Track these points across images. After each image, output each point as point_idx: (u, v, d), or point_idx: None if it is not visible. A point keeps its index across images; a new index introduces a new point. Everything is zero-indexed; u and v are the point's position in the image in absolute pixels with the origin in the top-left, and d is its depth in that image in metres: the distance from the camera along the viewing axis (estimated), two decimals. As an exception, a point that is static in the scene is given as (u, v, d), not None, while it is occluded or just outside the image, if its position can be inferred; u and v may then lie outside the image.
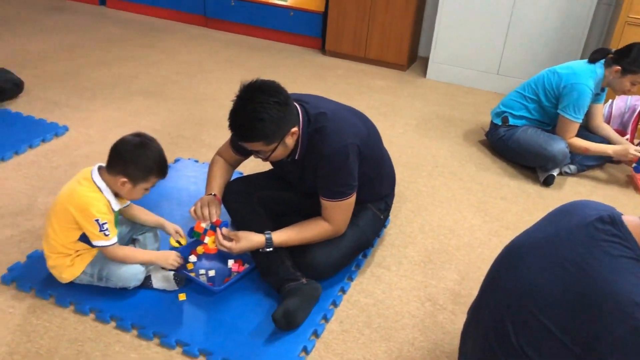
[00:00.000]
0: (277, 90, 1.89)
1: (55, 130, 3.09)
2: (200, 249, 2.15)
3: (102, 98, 3.58)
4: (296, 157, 2.04)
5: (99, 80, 3.84)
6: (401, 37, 4.37)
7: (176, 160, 2.95)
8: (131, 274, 1.96)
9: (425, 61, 4.52)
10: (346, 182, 2.01)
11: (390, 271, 2.29)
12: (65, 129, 3.14)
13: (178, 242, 2.12)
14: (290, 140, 1.95)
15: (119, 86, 3.77)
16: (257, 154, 1.98)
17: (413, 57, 4.68)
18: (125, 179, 1.88)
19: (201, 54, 4.48)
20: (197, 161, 2.95)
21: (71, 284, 2.01)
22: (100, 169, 1.94)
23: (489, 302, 1.56)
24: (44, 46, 4.35)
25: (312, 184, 2.08)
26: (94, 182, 1.89)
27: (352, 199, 2.05)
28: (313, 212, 2.13)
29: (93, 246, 1.92)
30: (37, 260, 2.13)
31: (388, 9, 4.30)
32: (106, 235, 1.87)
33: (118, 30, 4.85)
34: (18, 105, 3.35)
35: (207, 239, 2.07)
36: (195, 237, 2.11)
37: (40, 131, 3.07)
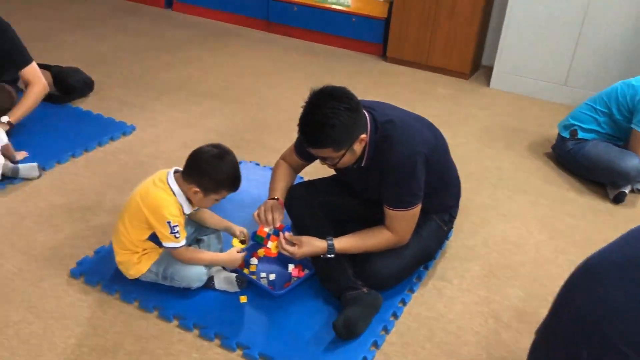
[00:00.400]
0: (348, 96, 1.88)
1: (123, 129, 3.19)
2: (261, 252, 2.16)
3: (168, 99, 3.66)
4: (362, 165, 2.02)
5: (165, 81, 3.93)
6: (465, 45, 4.29)
7: (239, 163, 2.97)
8: (195, 275, 1.99)
9: (489, 70, 4.42)
10: (412, 192, 1.97)
11: (452, 285, 2.24)
12: (133, 128, 3.23)
13: (242, 242, 2.14)
14: (358, 147, 1.94)
15: (184, 88, 3.85)
16: (324, 160, 1.97)
17: (476, 66, 4.58)
18: (197, 189, 1.91)
19: (263, 58, 4.53)
20: (258, 164, 2.97)
21: (136, 281, 2.05)
22: (176, 172, 1.98)
23: (562, 325, 1.49)
24: (114, 47, 4.50)
25: (376, 192, 2.06)
26: (169, 185, 1.93)
27: (417, 209, 2.01)
28: (376, 220, 2.10)
29: (162, 246, 1.96)
30: (104, 255, 2.19)
31: (453, 15, 4.23)
32: (176, 237, 1.90)
33: (184, 33, 4.96)
34: (88, 104, 3.47)
35: (269, 244, 2.08)
36: (258, 241, 2.12)
37: (108, 130, 3.17)
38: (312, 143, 1.90)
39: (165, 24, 5.15)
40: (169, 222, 1.88)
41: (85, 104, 3.47)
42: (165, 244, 1.92)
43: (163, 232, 1.90)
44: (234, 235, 2.15)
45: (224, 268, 2.10)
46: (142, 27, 5.01)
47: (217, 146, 1.98)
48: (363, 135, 1.92)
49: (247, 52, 4.63)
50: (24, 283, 2.05)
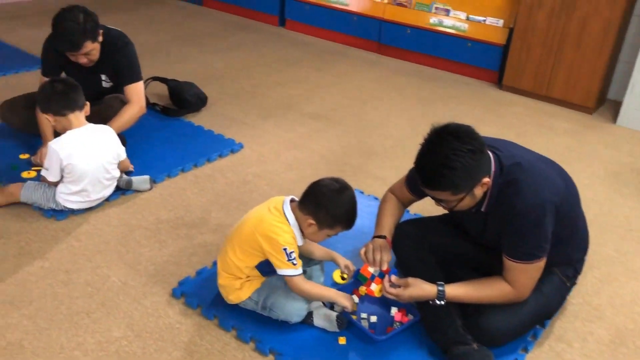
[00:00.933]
0: (472, 136, 1.73)
1: (231, 147, 3.21)
2: (362, 290, 2.05)
3: (275, 118, 3.66)
4: (482, 209, 1.86)
5: (274, 100, 3.95)
6: (591, 78, 3.97)
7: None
8: (295, 309, 1.91)
9: (616, 105, 4.07)
10: (538, 244, 1.78)
11: (572, 348, 2.01)
12: (241, 146, 3.24)
13: (343, 277, 2.04)
14: (479, 191, 1.78)
15: (292, 108, 3.84)
16: (439, 201, 1.83)
17: (601, 100, 4.24)
18: (312, 221, 1.85)
19: (372, 81, 4.44)
20: (362, 192, 2.87)
21: (235, 307, 2.01)
22: (292, 201, 1.93)
23: None
24: (227, 63, 4.60)
25: (495, 239, 1.89)
26: (284, 214, 1.88)
27: (542, 263, 1.82)
28: (491, 268, 1.93)
29: (268, 275, 1.91)
30: (206, 277, 2.17)
31: (580, 46, 3.93)
32: (294, 264, 1.84)
33: (294, 51, 4.99)
34: (200, 119, 3.54)
35: (373, 286, 1.96)
36: (361, 280, 2.02)
37: (217, 146, 3.20)
38: (429, 185, 1.77)
39: (277, 42, 5.21)
40: (285, 249, 1.82)
41: (197, 119, 3.54)
42: (282, 271, 1.86)
43: (279, 259, 1.84)
44: (337, 264, 2.07)
45: (324, 304, 2.00)
46: (255, 44, 5.10)
47: (338, 180, 1.90)
48: (486, 179, 1.76)
49: (356, 74, 4.57)
50: (127, 298, 2.07)
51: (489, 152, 1.81)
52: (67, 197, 2.47)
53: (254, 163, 3.10)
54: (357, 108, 3.91)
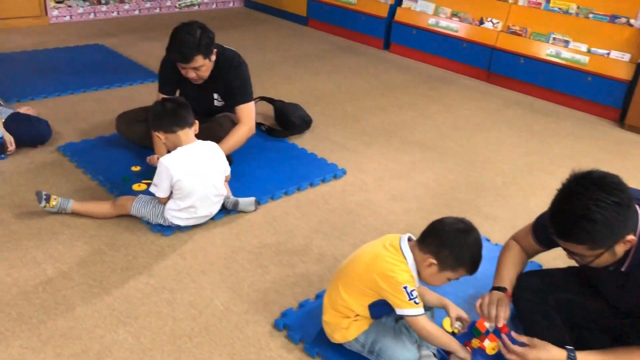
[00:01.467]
0: (619, 188, 1.54)
1: (334, 172, 3.14)
2: (475, 343, 1.89)
3: (379, 145, 3.57)
4: (622, 269, 1.66)
5: (377, 125, 3.86)
6: None
7: (451, 227, 2.73)
8: (405, 357, 1.78)
9: None
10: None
11: None
12: (343, 172, 3.16)
13: (454, 332, 1.89)
14: (621, 249, 1.59)
15: (396, 135, 3.73)
16: (572, 254, 1.65)
17: None
18: (434, 261, 1.73)
19: (480, 111, 4.26)
20: (473, 232, 2.70)
21: (339, 347, 1.91)
22: (409, 240, 1.82)
23: None
24: (332, 85, 4.57)
25: (635, 303, 1.68)
26: (402, 252, 1.77)
27: None
28: (625, 334, 1.72)
29: (378, 317, 1.80)
30: (308, 310, 2.09)
31: None
32: (416, 303, 1.72)
33: (399, 75, 4.90)
34: (304, 142, 3.51)
35: (487, 342, 1.80)
36: (475, 335, 1.86)
37: (320, 171, 3.15)
38: (564, 236, 1.60)
39: (382, 66, 5.14)
40: (405, 287, 1.71)
41: (301, 141, 3.51)
42: (403, 311, 1.73)
43: (400, 298, 1.72)
44: (448, 313, 1.92)
45: (434, 355, 1.86)
46: (359, 67, 5.05)
47: (462, 220, 1.77)
48: (630, 237, 1.57)
49: (463, 102, 4.40)
50: (230, 325, 2.02)
51: (637, 207, 1.62)
52: (175, 213, 2.49)
53: (356, 191, 3.01)
54: (464, 139, 3.74)
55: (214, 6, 6.81)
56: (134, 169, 2.99)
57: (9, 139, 3.02)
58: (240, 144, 2.95)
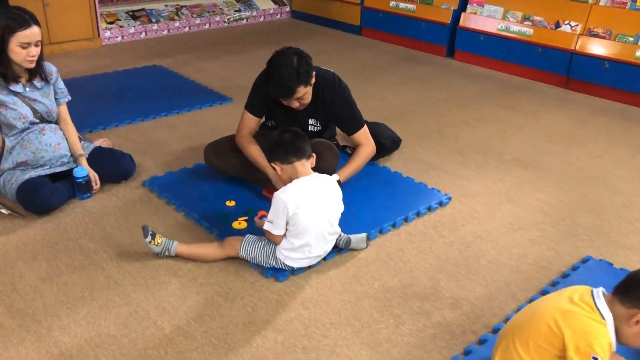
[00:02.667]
0: None
1: (438, 199, 2.90)
2: None
3: (475, 164, 3.32)
4: None
5: (465, 142, 3.62)
6: None
7: (585, 260, 2.48)
8: None
9: None
10: None
11: None
12: (448, 198, 2.93)
13: None
14: None
15: (490, 151, 3.49)
16: None
17: None
18: None
19: (567, 121, 3.99)
20: (611, 264, 2.44)
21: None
22: (604, 293, 1.58)
23: None
24: (404, 99, 4.35)
25: None
26: (598, 309, 1.53)
27: None
28: None
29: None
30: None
31: None
32: None
33: (471, 85, 4.65)
34: (395, 164, 3.29)
35: None
36: None
37: (424, 198, 2.92)
38: None
39: (449, 75, 4.91)
40: (594, 357, 1.48)
41: (392, 163, 3.29)
42: None
43: None
44: None
45: None
46: (426, 77, 4.82)
47: None
48: None
49: (547, 112, 4.14)
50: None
51: None
52: (289, 253, 2.29)
53: (468, 219, 2.77)
54: (563, 154, 3.48)
55: (261, 19, 6.63)
56: (228, 204, 2.79)
57: (94, 177, 2.85)
58: (363, 166, 2.88)
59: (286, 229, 2.26)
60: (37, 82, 2.75)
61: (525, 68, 4.82)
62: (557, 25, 4.62)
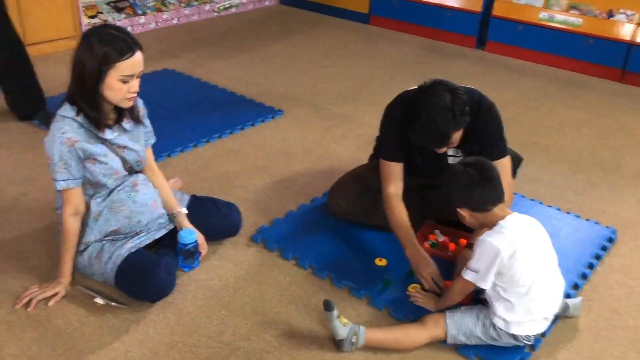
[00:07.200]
0: None
1: (605, 235, 2.49)
2: None
3: (606, 184, 2.93)
4: None
5: (570, 151, 3.26)
6: None
7: None
8: None
9: None
10: None
11: None
12: (612, 232, 2.53)
13: None
14: None
15: (608, 166, 3.12)
16: None
17: None
18: None
19: (627, 117, 3.74)
20: None
21: None
22: None
23: None
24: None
25: None
26: None
27: None
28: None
29: None
30: None
31: None
32: None
33: (521, 81, 4.29)
34: (526, 188, 2.85)
35: None
36: None
37: (586, 234, 2.50)
38: None
39: (489, 69, 4.49)
40: None
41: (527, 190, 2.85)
42: None
43: None
44: None
45: None
46: (466, 74, 4.37)
47: None
48: None
49: (601, 108, 3.87)
50: None
51: None
52: (519, 317, 1.80)
53: None
54: (635, 155, 3.24)
55: (250, 6, 5.90)
56: (378, 262, 2.24)
57: (202, 241, 2.18)
58: None
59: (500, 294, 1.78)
60: (126, 124, 2.04)
61: (574, 60, 4.50)
62: (610, 15, 4.33)
